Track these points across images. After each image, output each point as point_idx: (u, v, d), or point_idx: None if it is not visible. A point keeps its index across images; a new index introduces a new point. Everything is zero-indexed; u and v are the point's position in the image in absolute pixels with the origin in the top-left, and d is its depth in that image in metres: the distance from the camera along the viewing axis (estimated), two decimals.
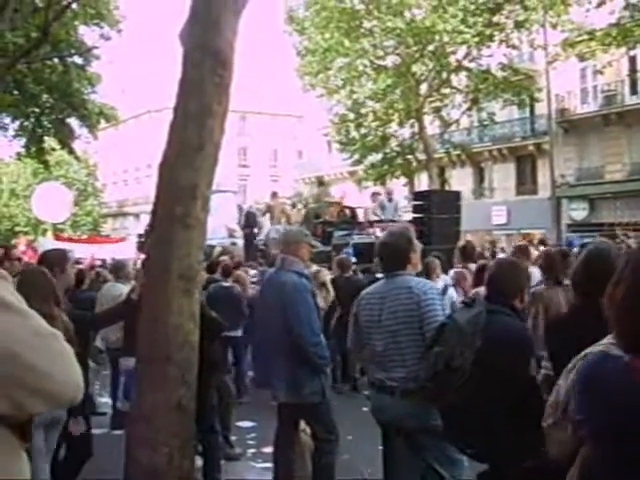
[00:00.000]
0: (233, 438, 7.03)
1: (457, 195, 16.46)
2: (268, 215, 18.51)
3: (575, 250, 9.35)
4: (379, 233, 15.28)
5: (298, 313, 4.90)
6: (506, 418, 3.51)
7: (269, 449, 7.07)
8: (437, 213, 14.50)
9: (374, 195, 18.41)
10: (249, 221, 17.71)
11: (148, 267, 4.66)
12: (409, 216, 16.44)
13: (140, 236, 22.51)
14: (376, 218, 16.72)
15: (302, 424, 5.39)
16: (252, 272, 11.43)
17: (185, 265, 4.47)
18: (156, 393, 4.25)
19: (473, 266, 9.03)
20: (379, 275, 5.65)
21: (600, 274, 3.40)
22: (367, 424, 4.86)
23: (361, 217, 18.45)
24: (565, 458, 2.39)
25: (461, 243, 12.70)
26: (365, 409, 4.74)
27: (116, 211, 63.74)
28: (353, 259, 11.69)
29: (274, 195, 19.09)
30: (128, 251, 20.83)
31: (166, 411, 4.24)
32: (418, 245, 4.51)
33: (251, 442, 7.42)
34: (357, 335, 4.47)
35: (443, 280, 8.59)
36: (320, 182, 21.47)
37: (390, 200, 17.31)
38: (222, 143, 4.83)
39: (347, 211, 18.55)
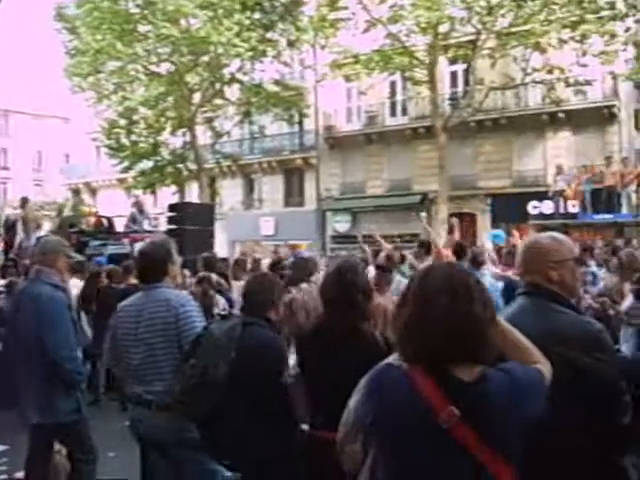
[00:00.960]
0: None
1: (211, 208, 17.18)
2: (20, 223, 17.45)
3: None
4: (136, 244, 15.53)
5: (53, 327, 4.63)
6: (259, 427, 3.60)
7: (21, 474, 6.68)
8: (191, 224, 14.92)
9: (135, 204, 18.34)
10: (9, 228, 16.61)
11: None
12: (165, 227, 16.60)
13: None
14: (133, 228, 16.74)
15: (57, 445, 5.12)
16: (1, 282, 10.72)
17: None
18: None
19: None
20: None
21: (352, 287, 3.60)
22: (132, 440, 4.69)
23: (120, 227, 18.27)
24: (356, 468, 2.52)
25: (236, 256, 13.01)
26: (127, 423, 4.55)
27: None
28: None
29: (24, 202, 17.94)
30: None
31: None
32: (177, 257, 4.46)
33: (1, 467, 6.92)
34: (114, 348, 4.33)
35: None
36: (75, 191, 21.10)
37: (141, 212, 17.41)
38: None
39: (104, 221, 18.40)
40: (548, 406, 2.14)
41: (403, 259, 10.18)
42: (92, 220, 18.61)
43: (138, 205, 17.85)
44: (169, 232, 14.91)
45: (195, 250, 12.85)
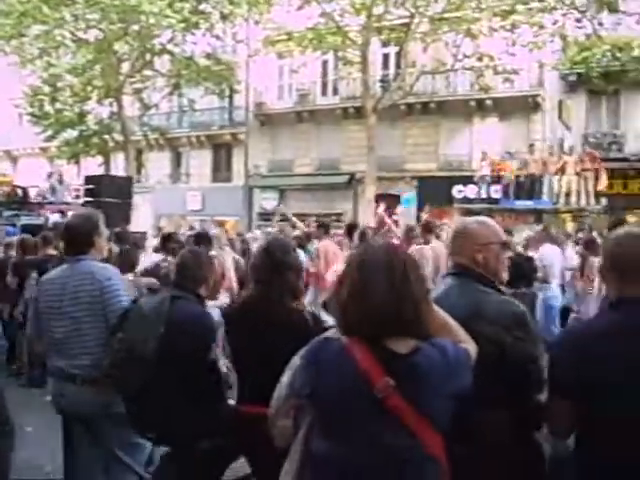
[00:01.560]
0: None
1: (129, 180, 17.30)
2: None
3: None
4: (50, 215, 15.46)
5: None
6: (184, 401, 3.61)
7: None
8: (107, 197, 15.14)
9: (49, 175, 18.24)
10: None
11: None
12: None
13: None
14: (49, 199, 16.72)
15: None
16: None
17: None
18: None
19: None
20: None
21: (281, 266, 3.64)
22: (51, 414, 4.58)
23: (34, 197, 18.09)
24: (287, 444, 2.57)
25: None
26: (49, 398, 4.44)
27: None
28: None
29: None
30: None
31: None
32: (105, 230, 4.39)
33: None
34: (37, 322, 4.25)
35: None
36: None
37: (61, 182, 17.32)
38: None
39: (18, 191, 18.19)
40: (473, 383, 2.23)
41: (309, 238, 10.64)
42: (6, 189, 18.34)
43: (58, 176, 17.70)
44: (86, 204, 15.26)
45: (112, 223, 13.12)
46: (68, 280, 4.06)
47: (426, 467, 2.18)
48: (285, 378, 2.67)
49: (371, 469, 2.17)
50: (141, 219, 23.20)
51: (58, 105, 26.43)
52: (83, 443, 4.12)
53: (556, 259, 10.53)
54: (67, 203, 16.21)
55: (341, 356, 2.22)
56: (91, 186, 15.84)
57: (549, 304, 10.31)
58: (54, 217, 16.96)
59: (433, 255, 8.23)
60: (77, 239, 4.23)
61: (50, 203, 15.98)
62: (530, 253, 10.73)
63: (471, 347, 2.35)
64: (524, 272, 9.16)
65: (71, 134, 27.31)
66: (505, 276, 2.95)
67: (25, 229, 13.26)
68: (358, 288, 2.25)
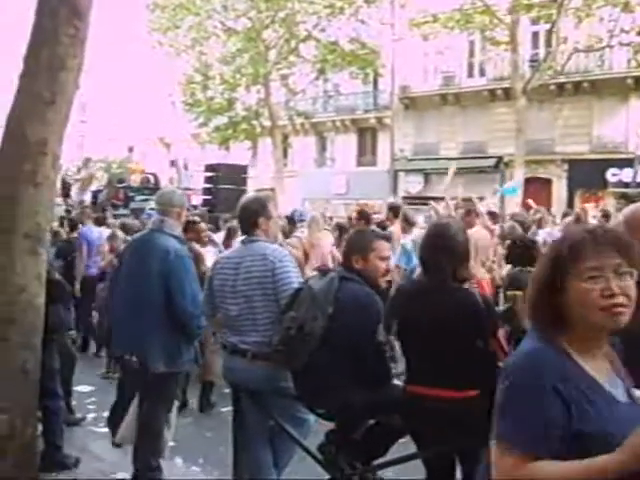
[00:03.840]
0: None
1: (244, 169, 17.93)
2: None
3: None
4: None
5: (182, 286, 4.58)
6: (351, 380, 3.69)
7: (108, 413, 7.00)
8: (224, 184, 16.04)
9: (172, 163, 19.49)
10: (65, 188, 17.84)
11: None
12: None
13: None
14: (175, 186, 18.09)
15: None
16: None
17: (32, 224, 4.29)
18: None
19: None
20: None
21: (448, 249, 3.65)
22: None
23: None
24: None
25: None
26: None
27: None
28: None
29: (87, 161, 19.14)
30: None
31: (9, 376, 4.08)
32: (274, 215, 4.52)
33: (90, 407, 7.26)
34: (210, 299, 4.46)
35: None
36: (129, 148, 22.78)
37: (186, 168, 18.49)
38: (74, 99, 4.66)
39: (150, 177, 19.49)
40: None
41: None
42: (139, 177, 19.68)
43: (183, 163, 19.12)
44: (204, 190, 16.48)
45: (227, 208, 14.09)
46: (242, 260, 4.25)
47: None
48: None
49: None
50: (287, 203, 23.68)
51: (209, 93, 27.43)
52: (251, 414, 4.30)
53: None
54: (190, 189, 17.31)
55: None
56: (210, 173, 16.67)
57: None
58: None
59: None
60: (243, 219, 4.46)
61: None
62: None
63: None
64: None
65: (221, 120, 28.22)
66: None
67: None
68: None
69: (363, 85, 31.34)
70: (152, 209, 14.98)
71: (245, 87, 27.50)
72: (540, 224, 10.81)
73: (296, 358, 3.72)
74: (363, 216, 10.01)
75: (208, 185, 16.44)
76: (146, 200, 16.75)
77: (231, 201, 14.66)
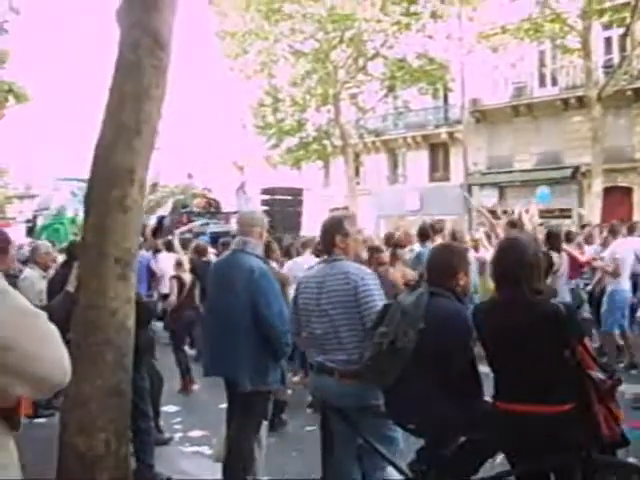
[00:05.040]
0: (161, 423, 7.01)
1: (299, 191, 18.44)
2: None
3: None
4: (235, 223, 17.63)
5: (269, 303, 4.68)
6: (442, 396, 3.67)
7: (195, 433, 7.15)
8: (280, 206, 16.67)
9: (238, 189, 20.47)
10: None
11: (84, 252, 4.57)
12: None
13: (28, 221, 22.68)
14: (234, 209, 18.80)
15: None
16: None
17: (122, 249, 4.42)
18: (94, 378, 4.20)
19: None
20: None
21: (525, 263, 3.60)
22: None
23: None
24: None
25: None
26: None
27: (23, 193, 61.32)
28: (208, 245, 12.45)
29: (154, 186, 20.40)
30: (16, 236, 20.58)
31: (104, 396, 4.20)
32: (353, 231, 4.51)
33: (177, 427, 7.41)
34: (296, 318, 4.52)
35: None
36: (189, 175, 24.19)
37: (244, 192, 19.27)
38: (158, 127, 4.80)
39: (212, 202, 20.39)
40: None
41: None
42: (202, 201, 20.77)
43: (241, 187, 19.98)
44: (263, 212, 16.93)
45: (284, 229, 15.03)
46: (325, 279, 4.29)
47: None
48: None
49: None
50: (361, 221, 23.75)
51: (279, 115, 27.77)
52: (339, 433, 4.31)
53: None
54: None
55: None
56: (267, 197, 17.36)
57: None
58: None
59: None
60: (323, 240, 4.53)
61: (235, 212, 17.87)
62: None
63: None
64: None
65: (292, 142, 28.52)
66: None
67: (213, 236, 15.24)
68: None
69: (433, 100, 31.25)
70: (212, 233, 15.91)
71: (315, 108, 27.74)
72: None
73: (388, 373, 3.72)
74: (389, 241, 9.82)
75: (265, 207, 16.88)
76: (206, 224, 17.71)
77: (287, 222, 15.82)
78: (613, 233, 10.12)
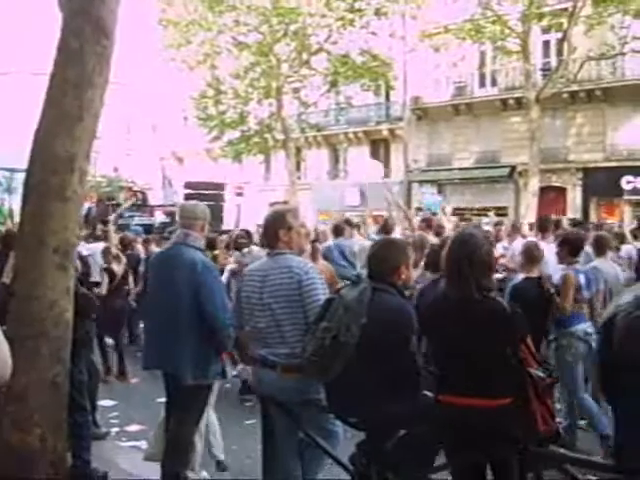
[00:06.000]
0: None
1: (221, 186, 19.35)
2: None
3: None
4: (159, 216, 18.48)
5: (212, 295, 4.63)
6: (384, 390, 3.69)
7: (132, 428, 7.04)
8: (203, 200, 16.82)
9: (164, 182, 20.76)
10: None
11: (21, 240, 4.47)
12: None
13: None
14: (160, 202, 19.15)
15: None
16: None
17: (61, 239, 4.33)
18: (30, 371, 4.10)
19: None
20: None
21: (476, 260, 3.65)
22: None
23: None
24: None
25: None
26: None
27: None
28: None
29: None
30: None
31: (40, 390, 4.11)
32: (296, 225, 4.48)
33: (114, 421, 7.29)
34: (239, 312, 4.49)
35: None
36: (115, 168, 24.85)
37: (171, 185, 19.54)
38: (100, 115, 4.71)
39: (139, 195, 20.86)
40: None
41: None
42: (129, 194, 21.11)
43: (168, 179, 20.27)
44: None
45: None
46: (268, 273, 4.26)
47: None
48: None
49: None
50: (302, 216, 23.74)
51: (221, 107, 27.51)
52: (280, 426, 4.30)
53: None
54: (173, 205, 18.42)
55: None
56: (190, 191, 17.80)
57: None
58: (161, 218, 19.55)
59: None
60: (265, 233, 4.51)
61: (160, 206, 18.12)
62: None
63: None
64: None
65: (233, 135, 28.31)
66: None
67: (146, 228, 15.61)
68: None
69: (375, 97, 31.46)
70: (137, 225, 16.12)
71: (257, 101, 27.54)
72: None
73: (330, 368, 3.72)
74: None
75: (188, 201, 17.32)
76: (132, 217, 18.04)
77: (210, 216, 15.94)
78: (542, 230, 10.28)
